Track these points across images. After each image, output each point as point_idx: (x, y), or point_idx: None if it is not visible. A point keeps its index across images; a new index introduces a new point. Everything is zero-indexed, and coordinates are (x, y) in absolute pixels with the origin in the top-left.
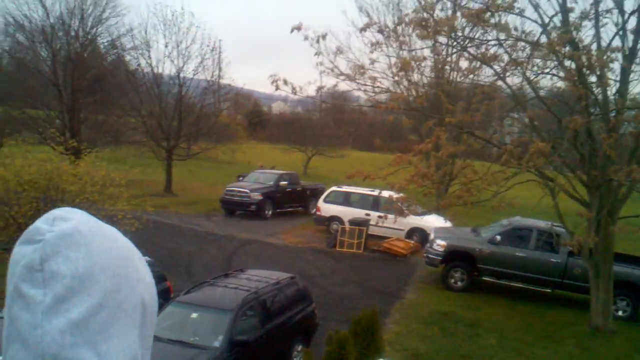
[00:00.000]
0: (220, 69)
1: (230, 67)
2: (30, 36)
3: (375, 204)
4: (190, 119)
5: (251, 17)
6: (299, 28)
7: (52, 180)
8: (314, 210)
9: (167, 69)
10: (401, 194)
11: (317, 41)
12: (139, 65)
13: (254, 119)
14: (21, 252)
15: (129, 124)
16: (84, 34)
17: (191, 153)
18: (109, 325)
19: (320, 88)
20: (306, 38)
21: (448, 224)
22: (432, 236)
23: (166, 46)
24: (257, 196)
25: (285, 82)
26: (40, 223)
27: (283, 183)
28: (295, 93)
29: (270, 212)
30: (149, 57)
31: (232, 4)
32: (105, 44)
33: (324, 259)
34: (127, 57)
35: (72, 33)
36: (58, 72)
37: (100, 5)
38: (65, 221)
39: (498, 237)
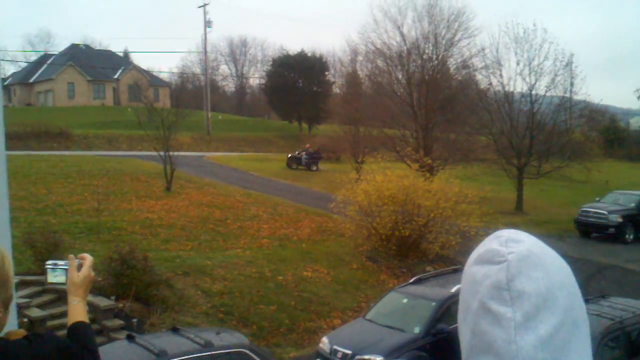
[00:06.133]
0: (573, 85)
1: (585, 82)
2: (389, 61)
3: None
4: (542, 137)
5: (609, 29)
6: None
7: (409, 196)
8: None
9: (519, 86)
10: None
11: None
12: (490, 84)
13: (610, 135)
14: (482, 272)
15: (479, 142)
16: (436, 56)
17: (542, 171)
18: (567, 342)
19: None
20: None
21: None
22: None
23: (517, 64)
24: (616, 218)
25: None
26: (495, 245)
27: None
28: None
29: (631, 237)
30: (500, 75)
31: (588, 16)
32: (457, 64)
33: None
34: (478, 77)
35: (426, 56)
36: (413, 93)
37: (453, 28)
38: (518, 243)
39: None
